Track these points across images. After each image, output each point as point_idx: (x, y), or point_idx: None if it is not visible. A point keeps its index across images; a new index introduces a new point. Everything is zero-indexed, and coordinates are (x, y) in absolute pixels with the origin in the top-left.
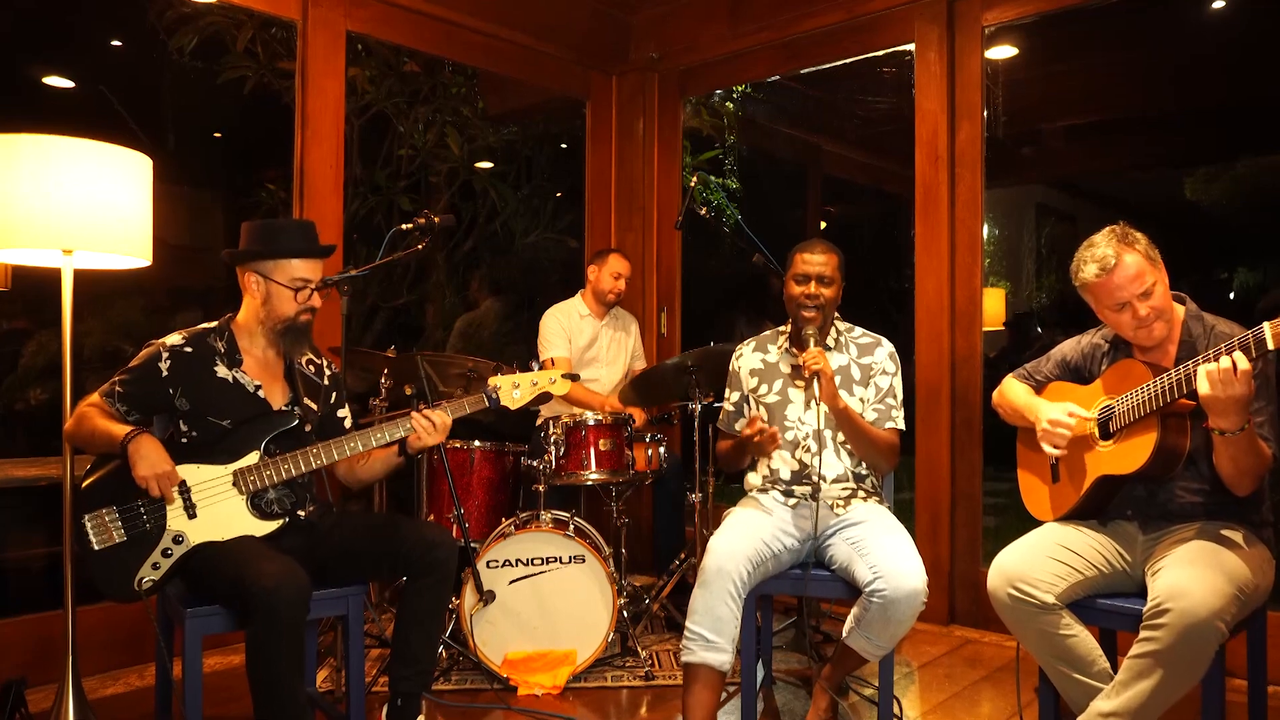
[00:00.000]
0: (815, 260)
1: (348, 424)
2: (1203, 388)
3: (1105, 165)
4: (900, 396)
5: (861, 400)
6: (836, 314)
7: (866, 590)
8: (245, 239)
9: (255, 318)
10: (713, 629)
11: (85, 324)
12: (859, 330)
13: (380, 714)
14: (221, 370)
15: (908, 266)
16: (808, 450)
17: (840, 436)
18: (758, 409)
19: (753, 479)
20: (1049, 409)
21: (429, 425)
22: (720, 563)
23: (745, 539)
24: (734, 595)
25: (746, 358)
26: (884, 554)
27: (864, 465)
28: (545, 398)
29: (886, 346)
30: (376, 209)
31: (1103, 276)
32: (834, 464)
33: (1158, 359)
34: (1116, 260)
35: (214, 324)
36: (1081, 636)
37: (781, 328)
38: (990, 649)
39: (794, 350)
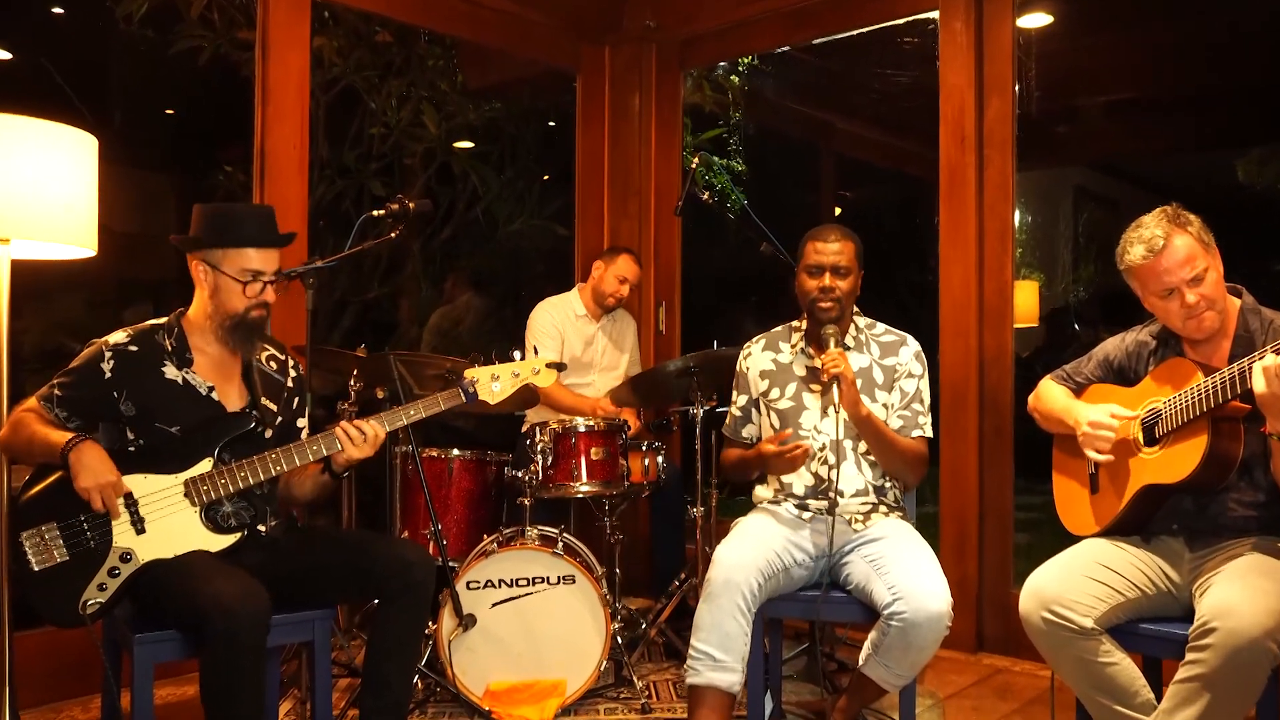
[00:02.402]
0: (829, 249)
1: (305, 435)
2: (1259, 385)
3: (1150, 145)
4: (928, 401)
5: (885, 406)
6: (856, 308)
7: (885, 612)
8: (195, 223)
9: (205, 312)
10: (720, 646)
11: (23, 320)
12: (881, 327)
13: None
14: (170, 371)
15: (931, 257)
16: (825, 462)
17: (862, 447)
18: (769, 415)
19: (762, 492)
20: (1089, 411)
21: (357, 435)
22: (728, 574)
23: (755, 549)
24: (744, 609)
25: (756, 357)
26: (905, 573)
27: (887, 477)
28: (531, 399)
29: (912, 345)
30: (345, 193)
31: (1150, 259)
32: (854, 477)
33: (1209, 357)
34: (1166, 242)
35: (163, 320)
36: (1123, 665)
37: (795, 323)
38: (1022, 679)
39: (810, 350)
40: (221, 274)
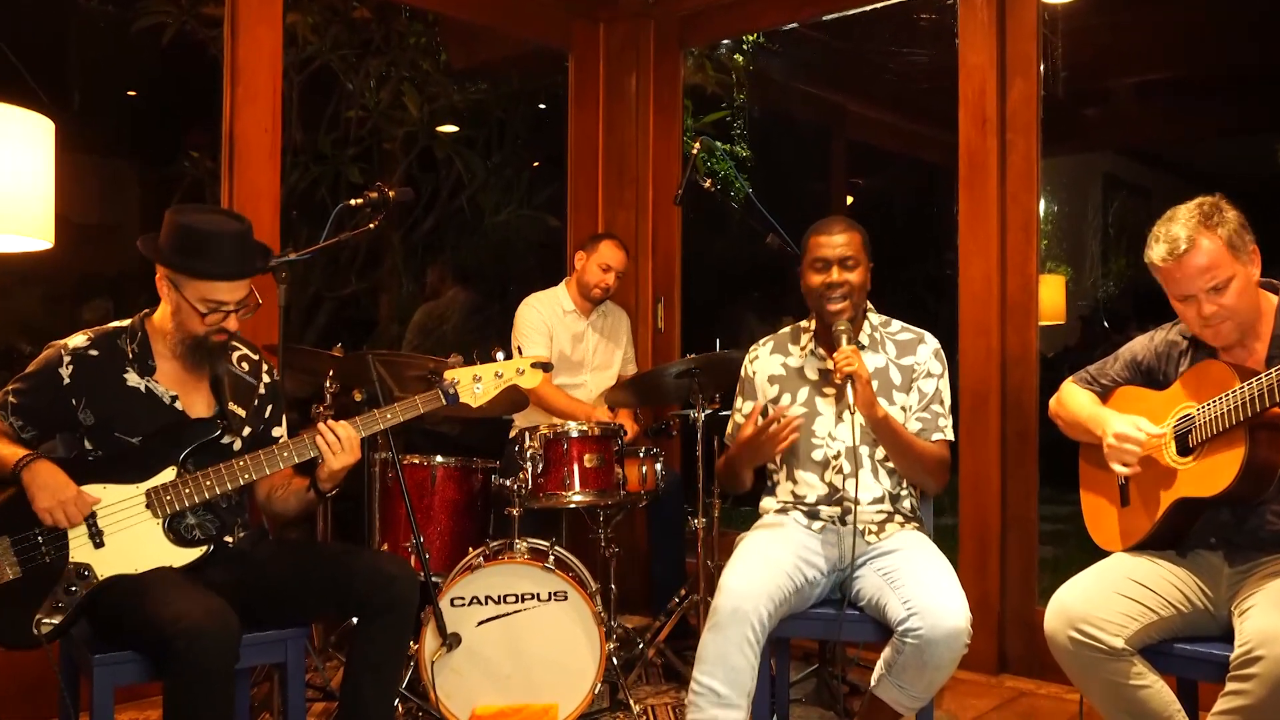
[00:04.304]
0: (835, 241)
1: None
2: None
3: (1184, 129)
4: (949, 402)
5: (903, 408)
6: (870, 305)
7: (899, 629)
8: (164, 234)
9: (167, 323)
10: (726, 681)
11: None
12: (897, 324)
13: None
14: (132, 378)
15: (949, 249)
16: (840, 471)
17: (879, 453)
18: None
19: (768, 503)
20: (1116, 421)
21: (335, 441)
22: (736, 602)
23: (765, 573)
24: (752, 641)
25: (764, 361)
26: (920, 587)
27: (904, 485)
28: (521, 402)
29: (930, 343)
30: (320, 181)
31: (1169, 262)
32: (871, 486)
33: (1244, 359)
34: (1189, 246)
35: (126, 323)
36: (1156, 688)
37: (804, 323)
38: (1048, 702)
39: (821, 351)
40: (183, 298)
